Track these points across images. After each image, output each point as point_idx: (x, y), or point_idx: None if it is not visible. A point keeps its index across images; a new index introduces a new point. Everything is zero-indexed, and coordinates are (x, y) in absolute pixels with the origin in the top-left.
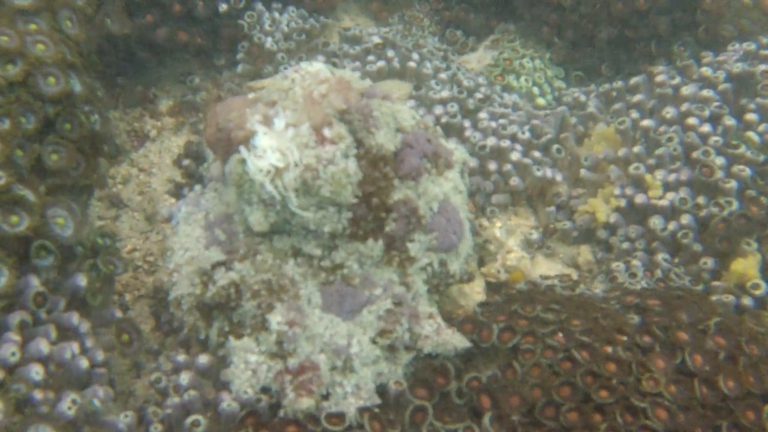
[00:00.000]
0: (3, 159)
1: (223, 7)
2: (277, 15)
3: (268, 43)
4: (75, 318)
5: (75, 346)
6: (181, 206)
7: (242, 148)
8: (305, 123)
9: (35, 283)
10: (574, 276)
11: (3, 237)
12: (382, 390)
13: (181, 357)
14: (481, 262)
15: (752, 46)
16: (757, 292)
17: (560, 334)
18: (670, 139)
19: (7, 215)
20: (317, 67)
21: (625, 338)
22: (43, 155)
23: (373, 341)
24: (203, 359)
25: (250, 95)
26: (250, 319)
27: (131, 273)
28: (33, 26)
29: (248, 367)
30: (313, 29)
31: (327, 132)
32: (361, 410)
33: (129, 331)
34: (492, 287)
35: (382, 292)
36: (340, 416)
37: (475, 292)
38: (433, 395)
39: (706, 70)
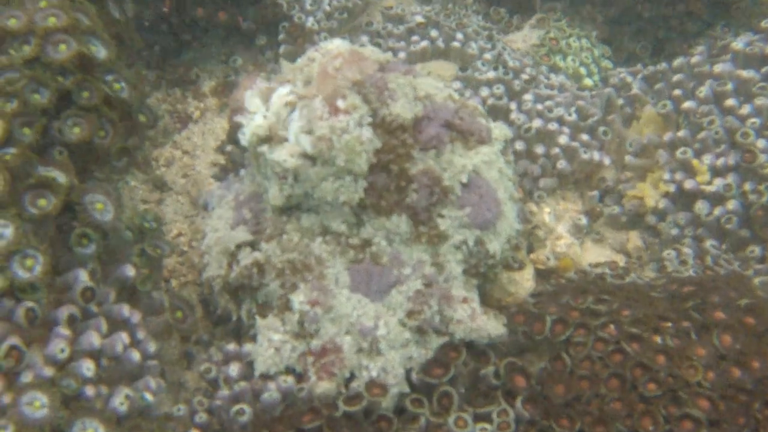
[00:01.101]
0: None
1: None
2: None
3: (310, 22)
4: (126, 309)
5: (125, 337)
6: (215, 190)
7: (238, 116)
8: (318, 96)
9: (84, 277)
10: (622, 263)
11: (34, 221)
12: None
13: (231, 346)
14: (530, 248)
15: None
16: None
17: (612, 326)
18: (711, 122)
19: (35, 199)
20: (336, 42)
21: (669, 324)
22: (63, 130)
23: (402, 323)
24: (249, 347)
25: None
26: (276, 299)
27: (176, 258)
28: (43, 3)
29: (271, 345)
30: (355, 7)
31: (341, 103)
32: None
33: (182, 308)
34: (541, 274)
35: (412, 271)
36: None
37: (525, 280)
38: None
39: (737, 45)
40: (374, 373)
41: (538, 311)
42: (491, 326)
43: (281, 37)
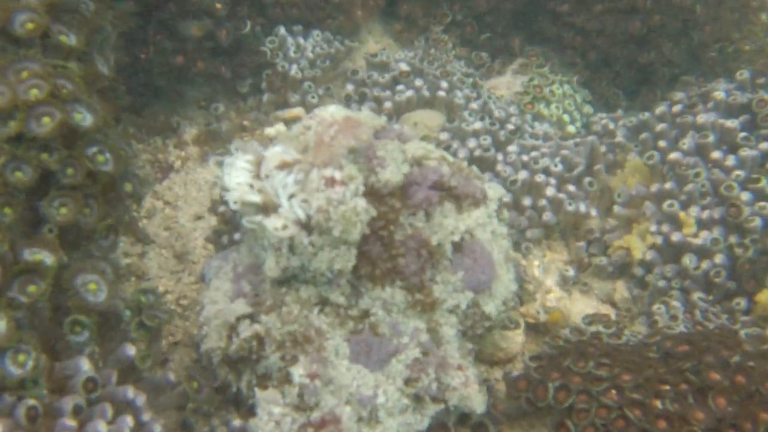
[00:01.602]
0: None
1: (248, 25)
2: (301, 40)
3: (293, 70)
4: (130, 392)
5: (130, 421)
6: (213, 261)
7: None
8: (314, 167)
9: (85, 366)
10: (613, 317)
11: (26, 309)
12: None
13: (236, 422)
14: (520, 302)
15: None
16: None
17: (614, 392)
18: (697, 175)
19: (24, 285)
20: (330, 110)
21: (668, 387)
22: (48, 212)
23: (400, 391)
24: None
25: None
26: (275, 371)
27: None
28: (25, 73)
29: (272, 419)
30: (338, 53)
31: (337, 174)
32: None
33: (198, 379)
34: (532, 328)
35: (409, 340)
36: None
37: (516, 335)
38: None
39: (719, 95)
40: None
41: (540, 377)
42: (476, 400)
43: (264, 85)
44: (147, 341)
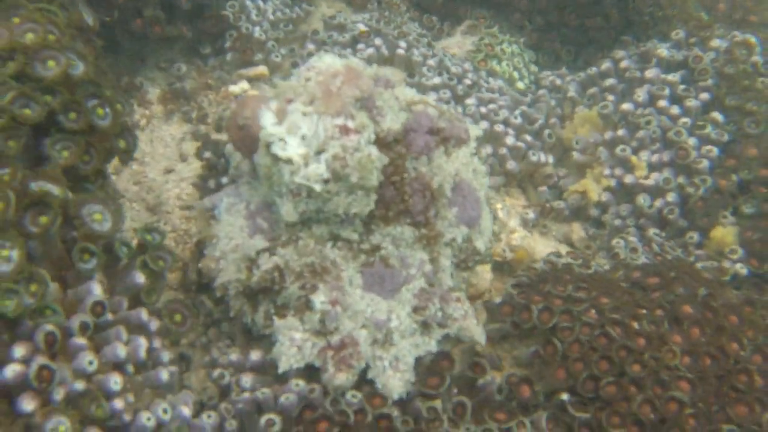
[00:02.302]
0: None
1: None
2: (261, 3)
3: (257, 32)
4: (144, 314)
5: (143, 341)
6: (223, 197)
7: (270, 144)
8: (327, 116)
9: (96, 291)
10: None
11: (39, 239)
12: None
13: (234, 356)
14: (495, 239)
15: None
16: (734, 257)
17: (593, 311)
18: (648, 122)
19: (35, 217)
20: (328, 61)
21: (644, 311)
22: (51, 153)
23: (410, 316)
24: (255, 356)
25: (269, 92)
26: (294, 300)
27: None
28: (16, 18)
29: (294, 344)
30: (298, 17)
31: (350, 123)
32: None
33: (181, 311)
34: (497, 266)
35: (416, 271)
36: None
37: (484, 270)
38: (443, 383)
39: (662, 52)
40: (387, 363)
41: (524, 301)
42: (476, 332)
43: (228, 45)
44: (151, 282)
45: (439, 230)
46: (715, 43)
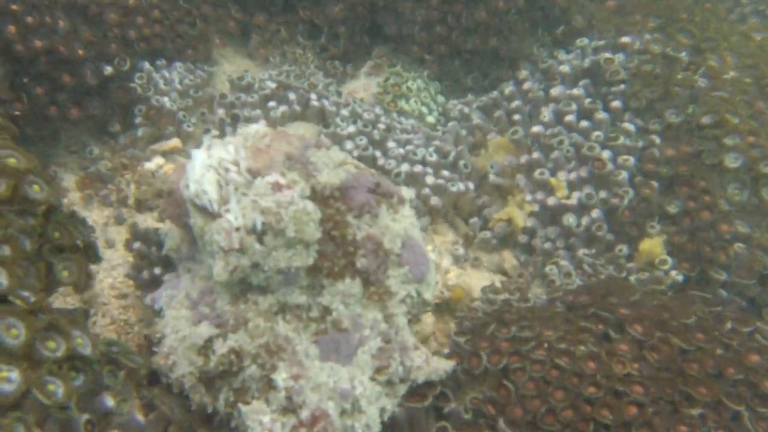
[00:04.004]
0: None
1: (108, 69)
2: (166, 73)
3: (167, 103)
4: None
5: None
6: (162, 292)
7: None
8: (258, 175)
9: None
10: (514, 284)
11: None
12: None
13: None
14: None
15: (591, 41)
16: (665, 267)
17: (542, 348)
18: (560, 142)
19: (44, 341)
20: (254, 127)
21: (587, 334)
22: (56, 271)
23: (372, 379)
24: None
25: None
26: (255, 382)
27: None
28: None
29: (264, 428)
30: (202, 81)
31: (281, 180)
32: None
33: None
34: (437, 308)
35: (371, 331)
36: None
37: (427, 316)
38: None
39: (564, 68)
40: (360, 431)
41: (471, 348)
42: (443, 365)
43: (138, 120)
44: (120, 389)
45: (391, 289)
46: (626, 40)
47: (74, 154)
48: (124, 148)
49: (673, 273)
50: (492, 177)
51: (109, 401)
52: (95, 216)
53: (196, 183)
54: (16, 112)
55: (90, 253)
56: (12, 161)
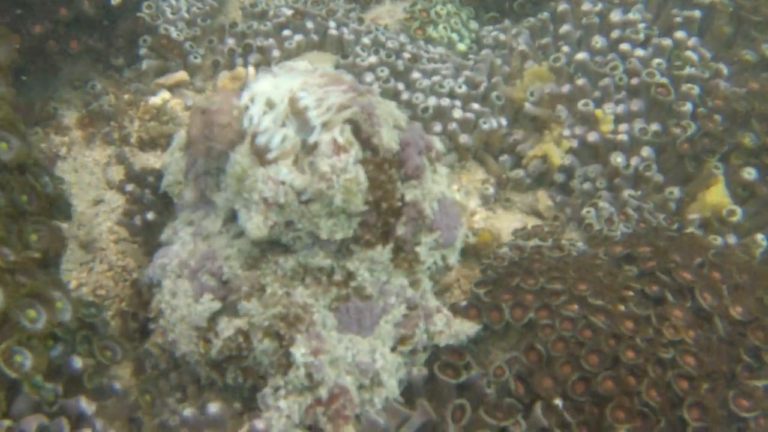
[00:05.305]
0: None
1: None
2: (173, 1)
3: (173, 33)
4: (83, 402)
5: None
6: (155, 262)
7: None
8: (324, 133)
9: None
10: (546, 228)
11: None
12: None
13: (188, 412)
14: None
15: None
16: (734, 219)
17: (574, 304)
18: (614, 68)
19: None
20: (303, 63)
21: (631, 293)
22: (25, 234)
23: (393, 349)
24: (214, 408)
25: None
26: (269, 357)
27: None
28: None
29: (282, 414)
30: (212, 9)
31: (339, 138)
32: None
33: (150, 391)
34: (462, 252)
35: (396, 299)
36: None
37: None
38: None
39: None
40: (379, 406)
41: (492, 301)
42: (466, 327)
43: (143, 51)
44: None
45: (420, 257)
46: None
47: (78, 89)
48: (128, 82)
49: (759, 237)
50: (528, 106)
51: (78, 363)
52: (97, 155)
53: (259, 116)
54: (16, 46)
55: (60, 210)
56: None
